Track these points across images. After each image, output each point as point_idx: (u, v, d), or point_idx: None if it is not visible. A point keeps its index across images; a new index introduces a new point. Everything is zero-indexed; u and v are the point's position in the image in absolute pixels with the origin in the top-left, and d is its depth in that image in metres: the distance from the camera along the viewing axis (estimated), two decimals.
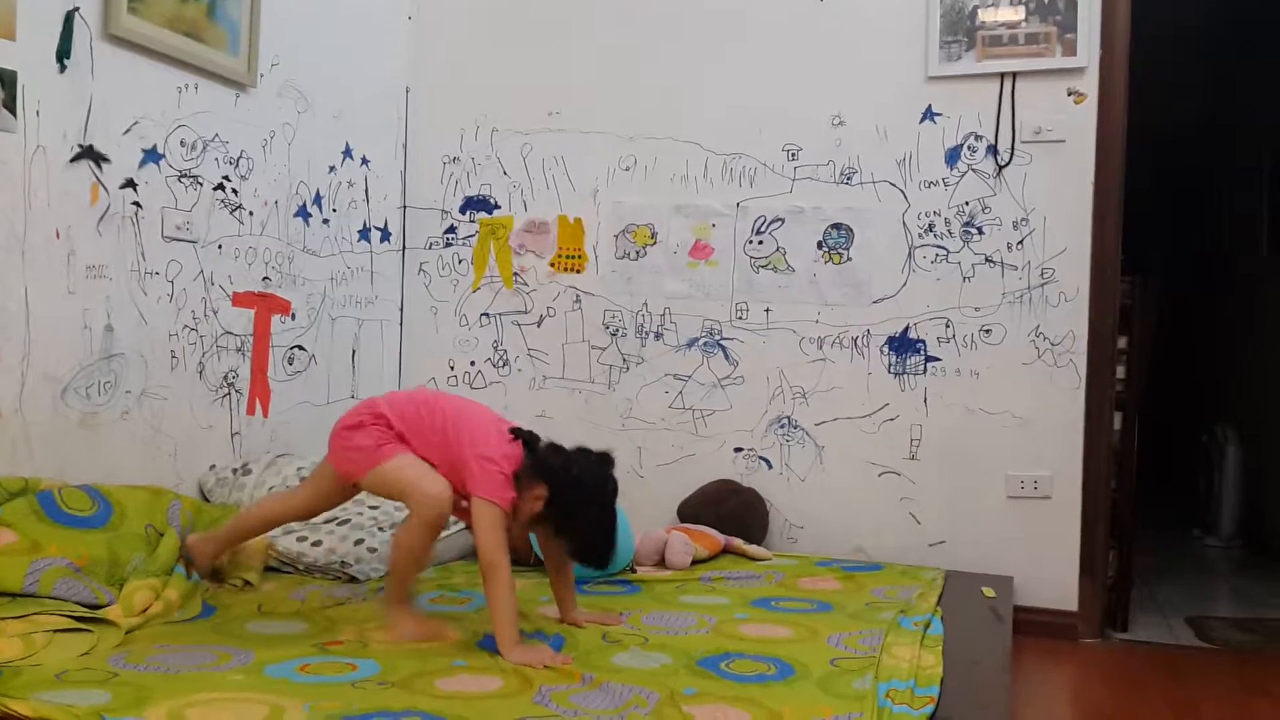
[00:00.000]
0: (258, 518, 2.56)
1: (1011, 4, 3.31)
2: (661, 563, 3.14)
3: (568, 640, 2.29)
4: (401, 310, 3.95)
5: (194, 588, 2.50)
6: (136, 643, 2.15)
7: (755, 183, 3.59)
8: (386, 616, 2.34)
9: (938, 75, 3.39)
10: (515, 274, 3.84)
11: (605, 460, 2.33)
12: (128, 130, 2.75)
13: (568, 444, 2.36)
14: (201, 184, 3.00)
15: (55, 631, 2.09)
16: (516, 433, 2.34)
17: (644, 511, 3.41)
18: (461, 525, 2.93)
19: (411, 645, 2.21)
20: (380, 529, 2.95)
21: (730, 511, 3.44)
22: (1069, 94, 3.28)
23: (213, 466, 3.07)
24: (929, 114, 3.41)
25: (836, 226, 3.51)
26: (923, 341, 3.43)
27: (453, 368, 3.89)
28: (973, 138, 3.38)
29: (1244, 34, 5.30)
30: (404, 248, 3.95)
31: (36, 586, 2.19)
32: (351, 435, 2.37)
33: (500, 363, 3.85)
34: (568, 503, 2.24)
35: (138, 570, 2.40)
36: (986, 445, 3.35)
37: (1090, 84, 3.26)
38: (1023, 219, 3.33)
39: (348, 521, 2.93)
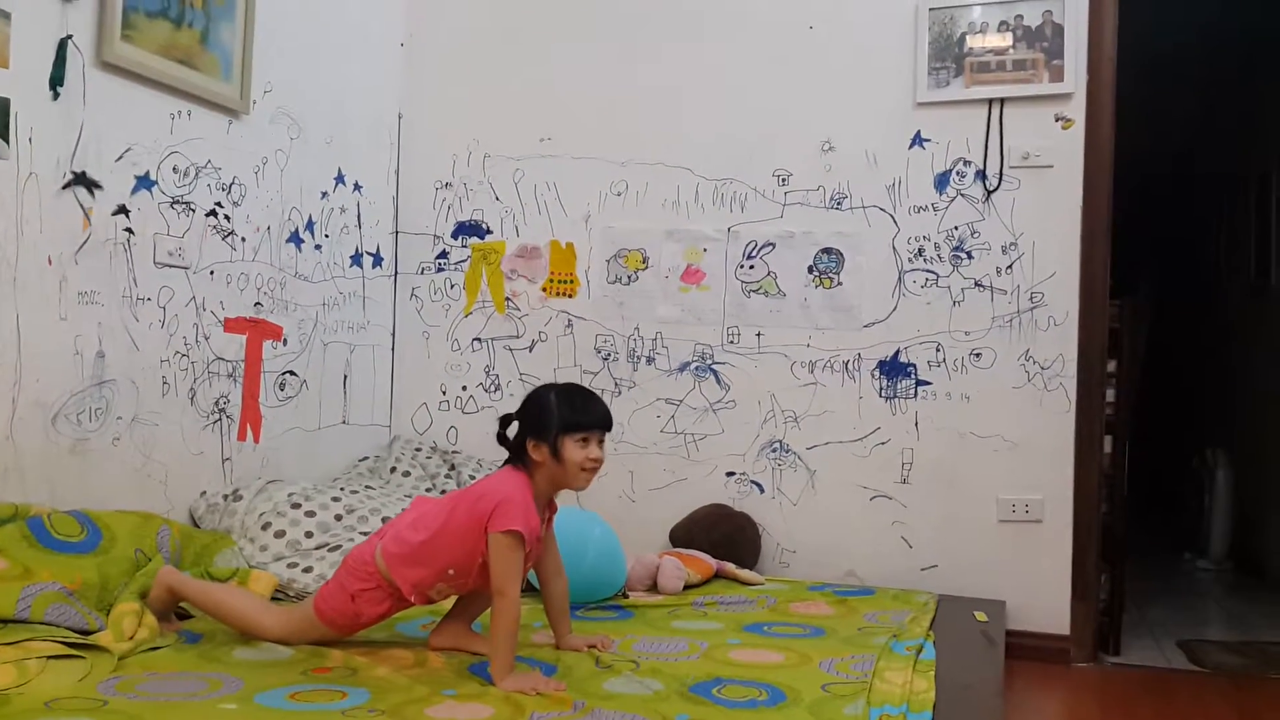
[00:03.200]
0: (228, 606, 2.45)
1: (999, 30, 3.34)
2: (653, 588, 3.14)
3: (559, 667, 2.29)
4: (393, 335, 3.95)
5: None
6: (126, 670, 2.13)
7: (746, 208, 3.60)
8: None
9: (926, 101, 3.42)
10: (507, 299, 3.85)
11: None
12: (120, 157, 2.76)
13: None
14: (194, 210, 3.01)
15: (49, 658, 2.08)
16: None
17: (635, 536, 3.40)
18: None
19: (403, 675, 2.20)
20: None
21: (722, 536, 3.44)
22: (1056, 119, 3.31)
23: (204, 493, 3.06)
24: (918, 139, 3.44)
25: (827, 251, 3.53)
26: (913, 365, 3.44)
27: (444, 393, 3.90)
28: (961, 163, 3.40)
29: (1234, 58, 5.35)
30: (396, 273, 3.95)
31: (29, 612, 2.18)
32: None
33: (492, 387, 3.85)
34: (537, 400, 2.42)
35: (120, 595, 2.39)
36: (977, 469, 3.36)
37: (1078, 109, 3.29)
38: (1011, 243, 3.35)
39: (339, 548, 2.93)
